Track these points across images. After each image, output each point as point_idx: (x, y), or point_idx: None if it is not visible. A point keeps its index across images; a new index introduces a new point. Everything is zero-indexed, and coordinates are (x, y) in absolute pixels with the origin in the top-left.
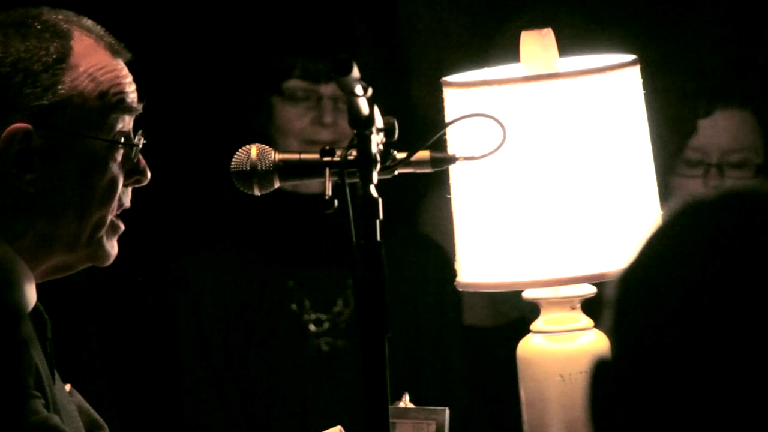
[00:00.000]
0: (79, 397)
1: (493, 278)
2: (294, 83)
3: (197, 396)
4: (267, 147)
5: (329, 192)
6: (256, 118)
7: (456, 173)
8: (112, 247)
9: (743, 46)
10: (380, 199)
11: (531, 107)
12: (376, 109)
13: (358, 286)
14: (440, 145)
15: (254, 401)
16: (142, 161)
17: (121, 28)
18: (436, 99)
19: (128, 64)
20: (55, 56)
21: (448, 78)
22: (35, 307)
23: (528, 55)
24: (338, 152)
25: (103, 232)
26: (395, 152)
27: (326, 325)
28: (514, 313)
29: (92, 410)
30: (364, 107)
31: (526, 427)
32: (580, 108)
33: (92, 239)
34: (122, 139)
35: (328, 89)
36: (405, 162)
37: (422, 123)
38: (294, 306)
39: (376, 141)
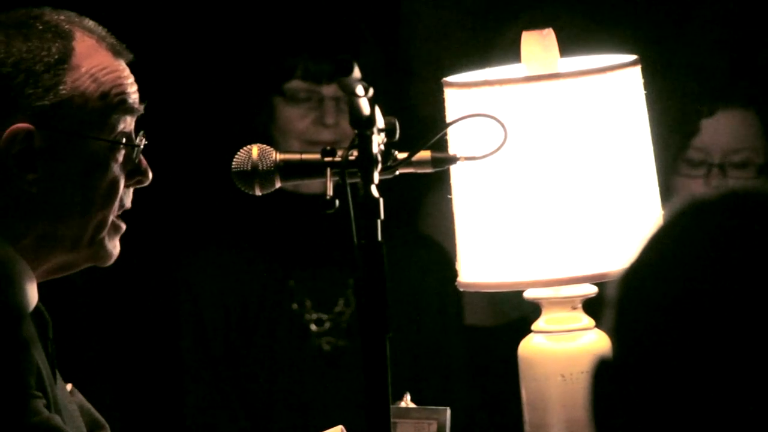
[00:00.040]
0: (80, 396)
1: (494, 278)
2: (296, 84)
3: (198, 395)
4: (268, 147)
5: (330, 192)
6: (258, 119)
7: (457, 173)
8: (114, 247)
9: (745, 46)
10: (381, 199)
11: (532, 107)
12: (377, 109)
13: (359, 286)
14: (441, 145)
15: (255, 401)
16: (144, 162)
17: (122, 28)
18: (437, 99)
19: (130, 65)
20: (56, 57)
21: (449, 78)
22: (36, 306)
23: (529, 56)
24: (339, 152)
25: (105, 232)
26: (396, 152)
27: (327, 324)
28: (515, 313)
29: (93, 410)
30: (365, 107)
31: (527, 427)
32: (581, 108)
33: (94, 240)
34: (124, 140)
35: (329, 90)
36: (406, 162)
37: (423, 123)
38: (295, 306)
39: (377, 141)
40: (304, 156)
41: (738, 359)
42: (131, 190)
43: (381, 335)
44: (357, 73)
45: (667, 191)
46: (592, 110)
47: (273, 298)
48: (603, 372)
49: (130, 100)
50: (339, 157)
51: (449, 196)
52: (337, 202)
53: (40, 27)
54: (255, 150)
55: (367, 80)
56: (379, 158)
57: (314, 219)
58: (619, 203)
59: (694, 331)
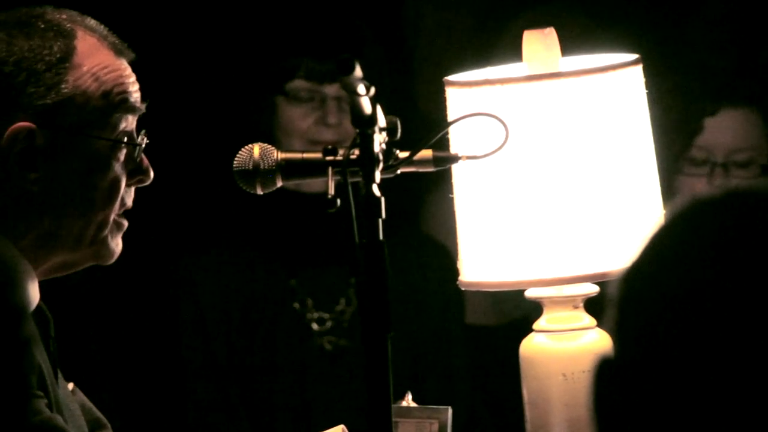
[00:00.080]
0: (81, 395)
1: (495, 277)
2: (298, 84)
3: (200, 395)
4: (270, 146)
5: (332, 191)
6: (261, 119)
7: (458, 172)
8: (117, 245)
9: (748, 44)
10: (383, 198)
11: (533, 106)
12: (378, 108)
13: (360, 285)
14: (443, 144)
15: (257, 400)
16: (145, 161)
17: (124, 27)
18: (439, 98)
19: (131, 64)
20: (58, 55)
21: (451, 77)
22: (38, 305)
23: (530, 55)
24: (341, 151)
25: (107, 231)
26: (398, 151)
27: (329, 324)
28: (516, 312)
29: (95, 409)
30: (366, 106)
31: (528, 426)
32: (583, 107)
33: (96, 239)
34: (125, 139)
35: (332, 90)
36: (407, 161)
37: (425, 122)
38: (296, 305)
39: (379, 140)
40: (306, 155)
41: (739, 358)
42: (133, 189)
43: (382, 334)
44: (358, 72)
45: (670, 190)
46: (594, 109)
47: (274, 297)
48: (604, 371)
49: (132, 99)
50: (340, 156)
51: (450, 195)
52: (338, 201)
53: (42, 26)
54: (256, 149)
55: (368, 79)
56: (381, 157)
57: (316, 218)
58: (621, 202)
59: (696, 330)
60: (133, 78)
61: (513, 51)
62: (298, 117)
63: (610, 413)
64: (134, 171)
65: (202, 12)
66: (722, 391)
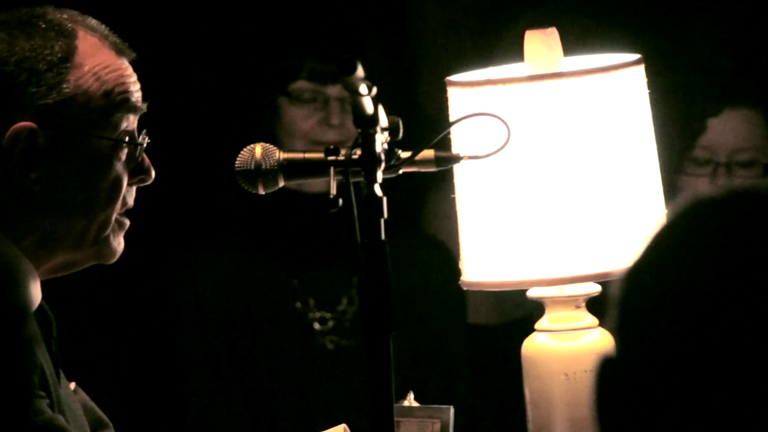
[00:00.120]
0: (83, 395)
1: (497, 277)
2: (301, 84)
3: (202, 394)
4: (271, 146)
5: (334, 191)
6: (263, 120)
7: (460, 172)
8: (119, 244)
9: (751, 44)
10: (385, 198)
11: (535, 106)
12: (380, 108)
13: (362, 284)
14: (444, 144)
15: (259, 400)
16: (147, 160)
17: (125, 27)
18: (440, 98)
19: (133, 64)
20: (59, 55)
21: (453, 77)
22: (40, 305)
23: (532, 55)
24: (343, 151)
25: (108, 231)
26: (400, 151)
27: (331, 323)
28: (518, 311)
29: (97, 408)
30: (368, 106)
31: (530, 425)
32: (585, 107)
33: (98, 238)
34: (127, 138)
35: (335, 90)
36: (409, 161)
37: (427, 122)
38: (298, 304)
39: (381, 140)
40: (308, 155)
41: (741, 358)
42: (134, 188)
43: (384, 334)
44: (360, 71)
45: (672, 190)
46: (596, 109)
47: (276, 297)
48: (606, 370)
49: (133, 99)
50: (342, 156)
51: (452, 196)
52: (340, 201)
53: (43, 26)
54: (258, 149)
55: (371, 79)
56: (383, 157)
57: (317, 218)
58: (623, 202)
59: (698, 329)
60: (134, 78)
61: (515, 51)
62: (300, 118)
63: (612, 413)
64: (136, 170)
65: (205, 12)
66: (724, 391)
